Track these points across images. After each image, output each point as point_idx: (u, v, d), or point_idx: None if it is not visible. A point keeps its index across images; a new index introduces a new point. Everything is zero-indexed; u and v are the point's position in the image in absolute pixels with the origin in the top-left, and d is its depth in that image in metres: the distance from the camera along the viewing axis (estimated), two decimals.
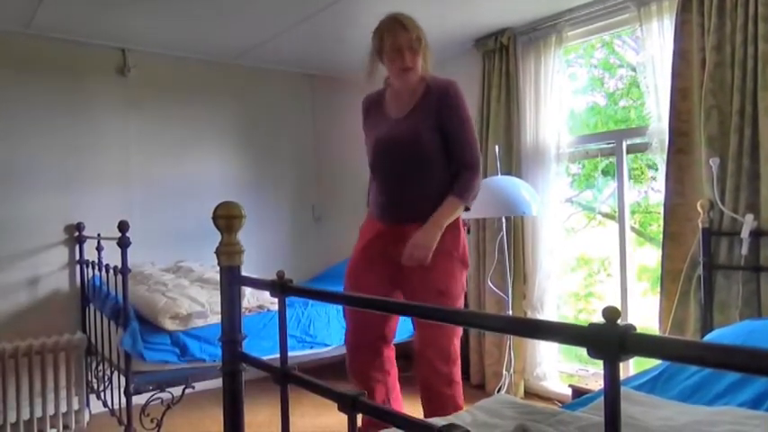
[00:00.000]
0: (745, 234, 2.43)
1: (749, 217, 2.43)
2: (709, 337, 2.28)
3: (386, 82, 2.30)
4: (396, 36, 2.08)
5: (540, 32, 3.35)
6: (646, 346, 0.56)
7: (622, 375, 2.54)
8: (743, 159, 2.48)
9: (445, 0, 3.06)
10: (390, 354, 2.28)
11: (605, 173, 4.08)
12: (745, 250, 2.44)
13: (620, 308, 3.19)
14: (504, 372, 3.35)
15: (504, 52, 3.49)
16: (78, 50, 3.47)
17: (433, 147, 2.12)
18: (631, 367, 2.97)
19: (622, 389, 1.70)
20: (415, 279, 2.12)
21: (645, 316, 3.18)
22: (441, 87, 2.15)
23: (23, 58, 3.32)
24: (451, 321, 0.84)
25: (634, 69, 3.52)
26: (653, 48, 2.84)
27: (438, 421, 0.96)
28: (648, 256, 4.07)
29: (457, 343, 2.18)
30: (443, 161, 2.15)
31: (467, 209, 2.16)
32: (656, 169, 3.09)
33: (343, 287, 2.30)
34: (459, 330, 2.21)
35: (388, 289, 2.19)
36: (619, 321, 0.58)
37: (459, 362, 2.18)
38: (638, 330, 0.58)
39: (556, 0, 3.11)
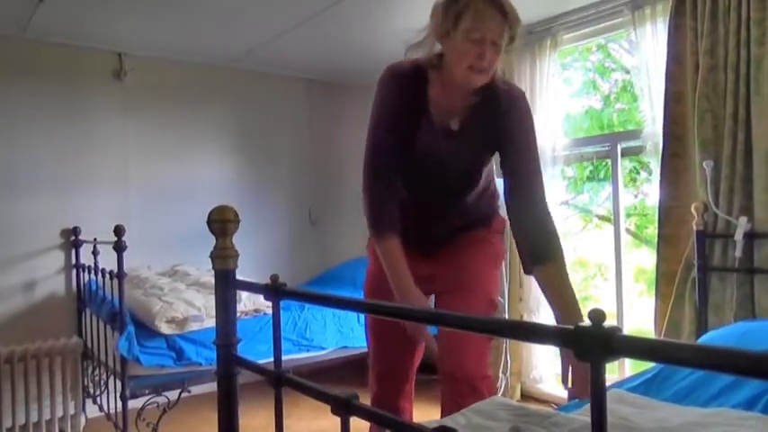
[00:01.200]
0: (738, 236, 2.44)
1: (743, 219, 2.45)
2: (703, 339, 2.29)
3: (430, 62, 1.58)
4: (485, 22, 1.42)
5: (535, 36, 3.36)
6: (631, 347, 0.57)
7: (618, 378, 2.54)
8: (736, 163, 2.49)
9: None
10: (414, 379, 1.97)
11: (590, 179, 4.10)
12: (738, 252, 2.45)
13: (615, 310, 3.21)
14: (500, 374, 3.35)
15: None
16: (75, 54, 3.48)
17: (488, 170, 1.71)
18: (627, 369, 2.98)
19: (617, 390, 1.71)
20: (463, 285, 1.76)
21: (642, 318, 3.19)
22: (511, 100, 1.60)
23: (20, 61, 3.32)
24: (438, 323, 0.85)
25: (628, 72, 3.54)
26: (647, 51, 2.86)
27: (431, 424, 0.97)
28: (645, 258, 4.09)
29: None
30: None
31: None
32: (645, 172, 3.11)
33: (367, 287, 1.95)
34: None
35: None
36: (606, 323, 0.59)
37: None
38: (631, 332, 0.59)
39: (551, 3, 3.13)
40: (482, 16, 1.42)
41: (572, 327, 0.60)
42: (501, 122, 1.57)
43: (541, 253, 1.51)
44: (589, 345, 0.58)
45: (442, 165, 1.62)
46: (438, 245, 1.75)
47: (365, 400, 0.94)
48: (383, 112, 1.61)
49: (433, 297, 1.87)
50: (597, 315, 0.58)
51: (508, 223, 1.60)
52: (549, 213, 1.56)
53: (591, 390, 0.60)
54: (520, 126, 1.59)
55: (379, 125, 1.62)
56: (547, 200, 1.58)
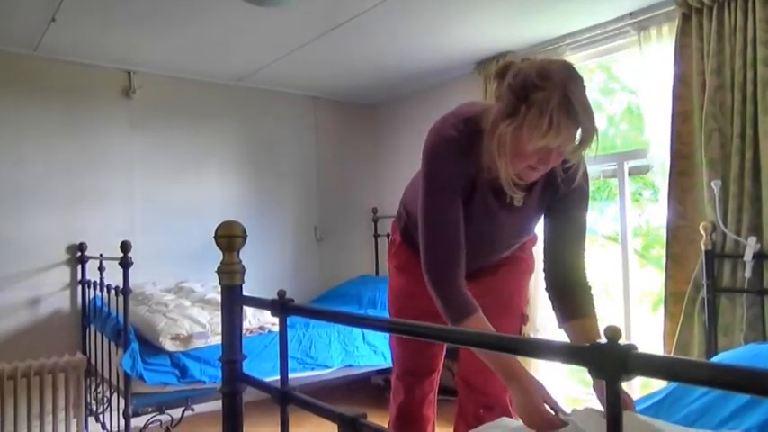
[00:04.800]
0: (748, 257, 2.42)
1: (752, 239, 2.43)
2: (713, 361, 2.26)
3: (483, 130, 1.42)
4: (560, 135, 1.25)
5: (541, 55, 3.37)
6: (648, 365, 0.55)
7: None
8: (744, 182, 2.48)
9: (446, 23, 3.10)
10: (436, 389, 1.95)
11: (592, 198, 4.07)
12: (748, 273, 2.43)
13: (623, 331, 3.16)
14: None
15: None
16: (84, 72, 3.52)
17: None
18: (636, 390, 2.93)
19: (626, 412, 1.68)
20: (499, 302, 1.72)
21: (648, 339, 3.15)
22: (570, 188, 1.49)
23: (30, 79, 3.36)
24: (454, 341, 0.83)
25: (633, 93, 3.55)
26: (653, 71, 2.87)
27: None
28: (650, 280, 4.05)
29: None
30: None
31: None
32: (649, 192, 3.09)
33: (396, 306, 1.89)
34: None
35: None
36: (621, 341, 0.58)
37: None
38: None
39: (557, 24, 3.15)
40: (557, 129, 1.23)
41: (588, 344, 0.59)
42: (559, 198, 1.50)
43: (576, 310, 1.49)
44: (605, 362, 0.56)
45: (496, 230, 1.57)
46: (477, 272, 1.70)
47: (372, 419, 0.92)
48: (441, 194, 1.44)
49: None
50: (613, 332, 0.57)
51: (543, 276, 1.56)
52: (586, 272, 1.52)
53: (607, 409, 0.58)
54: (578, 208, 1.52)
55: (441, 214, 1.44)
56: (585, 259, 1.52)
